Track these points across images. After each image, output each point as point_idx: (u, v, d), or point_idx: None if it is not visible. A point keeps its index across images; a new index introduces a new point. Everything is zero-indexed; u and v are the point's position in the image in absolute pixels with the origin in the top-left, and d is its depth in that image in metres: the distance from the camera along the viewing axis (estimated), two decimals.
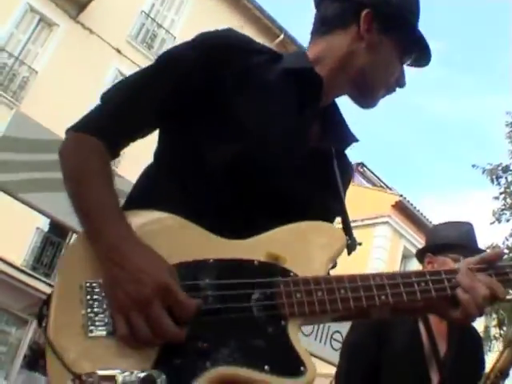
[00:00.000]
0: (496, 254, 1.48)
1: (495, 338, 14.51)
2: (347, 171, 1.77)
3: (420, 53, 1.64)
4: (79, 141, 1.43)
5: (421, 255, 2.72)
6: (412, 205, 25.86)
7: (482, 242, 16.47)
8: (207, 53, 1.46)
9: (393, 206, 25.16)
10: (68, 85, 15.97)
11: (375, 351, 2.38)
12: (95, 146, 1.40)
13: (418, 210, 26.12)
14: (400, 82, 1.66)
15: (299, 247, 1.38)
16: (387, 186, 29.69)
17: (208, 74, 1.44)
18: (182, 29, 19.53)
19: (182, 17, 19.90)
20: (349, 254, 1.50)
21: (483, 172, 15.53)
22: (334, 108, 1.71)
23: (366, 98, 1.66)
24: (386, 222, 25.15)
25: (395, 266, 25.23)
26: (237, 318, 1.22)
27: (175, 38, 19.26)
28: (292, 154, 1.49)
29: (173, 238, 1.31)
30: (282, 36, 21.44)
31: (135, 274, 1.17)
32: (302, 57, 1.63)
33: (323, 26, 1.63)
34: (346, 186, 1.74)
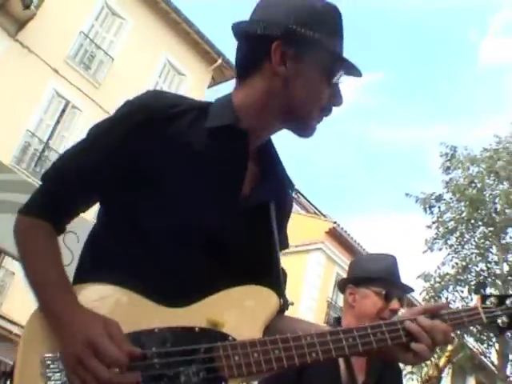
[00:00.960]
0: (440, 307, 1.65)
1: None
2: (284, 214, 1.75)
3: (348, 68, 1.58)
4: (26, 225, 1.52)
5: (343, 286, 2.73)
6: (346, 232, 26.12)
7: (415, 270, 16.77)
8: (129, 129, 1.48)
9: (326, 232, 25.36)
10: (4, 103, 15.64)
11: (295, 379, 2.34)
12: (41, 228, 1.50)
13: (352, 237, 26.39)
14: (335, 102, 1.61)
15: (236, 312, 1.46)
16: (321, 213, 29.96)
17: (132, 150, 1.47)
18: (121, 51, 19.44)
19: (121, 39, 19.74)
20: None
21: (416, 201, 15.92)
22: (270, 147, 1.69)
23: (300, 130, 1.63)
24: (320, 249, 25.32)
25: (328, 293, 25.43)
26: (183, 382, 1.29)
27: (113, 59, 19.16)
28: (228, 216, 1.51)
29: (119, 310, 1.38)
30: (219, 61, 21.51)
31: (73, 336, 1.27)
32: (228, 107, 1.58)
33: (241, 70, 1.61)
34: (283, 222, 1.75)
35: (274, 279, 1.61)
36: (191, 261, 1.46)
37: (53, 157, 16.03)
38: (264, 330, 1.45)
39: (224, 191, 1.51)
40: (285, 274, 1.70)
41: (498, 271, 15.17)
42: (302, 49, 1.52)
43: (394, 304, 2.54)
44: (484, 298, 1.79)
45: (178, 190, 1.46)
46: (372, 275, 2.60)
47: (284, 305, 1.55)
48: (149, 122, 1.47)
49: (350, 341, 1.46)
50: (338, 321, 2.70)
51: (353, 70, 1.59)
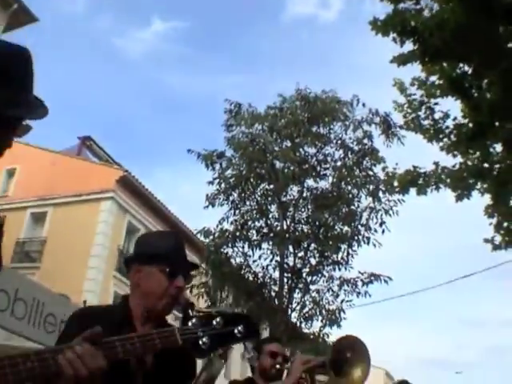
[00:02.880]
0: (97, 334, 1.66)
1: None
2: None
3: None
4: None
5: (128, 263, 2.63)
6: (137, 180, 25.97)
7: (196, 225, 16.80)
8: None
9: (117, 181, 25.10)
10: None
11: None
12: None
13: (144, 186, 26.34)
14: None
15: None
16: (114, 161, 29.44)
17: None
18: None
19: None
20: None
21: (198, 157, 15.55)
22: None
23: None
24: (111, 198, 25.03)
25: (119, 241, 25.27)
26: None
27: None
28: None
29: None
30: (15, 6, 19.87)
31: None
32: None
33: None
34: None
35: None
36: None
37: None
38: None
39: None
40: None
41: (278, 228, 15.49)
42: None
43: (179, 281, 2.49)
44: (186, 318, 1.76)
45: None
46: (156, 253, 2.53)
47: None
48: None
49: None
50: (125, 299, 2.61)
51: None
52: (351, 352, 3.57)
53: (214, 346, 1.75)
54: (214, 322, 1.77)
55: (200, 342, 1.73)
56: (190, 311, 1.78)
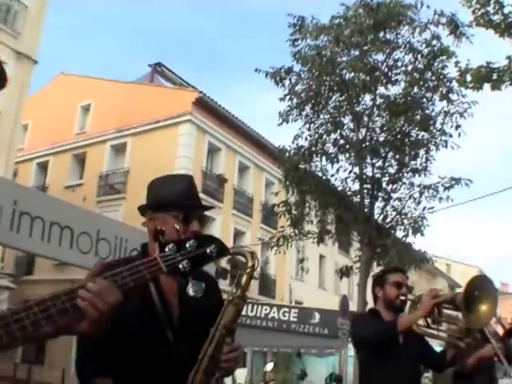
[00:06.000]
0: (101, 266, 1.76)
1: None
2: None
3: None
4: None
5: (142, 211, 2.68)
6: (213, 100, 25.98)
7: (276, 142, 16.60)
8: None
9: (193, 103, 25.15)
10: None
11: None
12: None
13: (220, 105, 26.34)
14: None
15: None
16: (188, 84, 29.48)
17: None
18: None
19: None
20: None
21: (266, 75, 15.23)
22: None
23: None
24: (189, 120, 25.20)
25: (202, 162, 25.58)
26: None
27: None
28: None
29: None
30: None
31: None
32: None
33: None
34: None
35: None
36: None
37: None
38: None
39: None
40: None
41: (354, 139, 15.25)
42: None
43: (194, 226, 2.53)
44: (163, 245, 1.82)
45: None
46: (168, 201, 2.57)
47: None
48: None
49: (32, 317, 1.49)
50: (145, 246, 2.66)
51: None
52: (480, 290, 3.73)
53: (193, 268, 1.81)
54: (188, 245, 1.83)
55: (180, 266, 1.79)
56: (161, 237, 1.85)
